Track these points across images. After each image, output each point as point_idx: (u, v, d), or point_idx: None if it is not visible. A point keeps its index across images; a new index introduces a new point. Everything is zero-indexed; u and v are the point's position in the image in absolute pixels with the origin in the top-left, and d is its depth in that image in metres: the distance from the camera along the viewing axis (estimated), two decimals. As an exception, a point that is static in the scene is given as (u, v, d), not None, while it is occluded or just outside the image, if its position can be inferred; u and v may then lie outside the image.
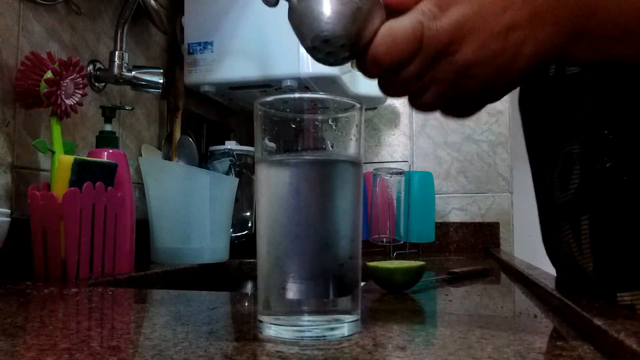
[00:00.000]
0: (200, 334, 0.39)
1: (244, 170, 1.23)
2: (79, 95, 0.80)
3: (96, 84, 1.00)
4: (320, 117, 0.40)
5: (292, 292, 0.38)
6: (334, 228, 0.39)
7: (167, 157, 1.11)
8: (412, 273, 0.63)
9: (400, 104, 1.65)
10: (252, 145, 1.13)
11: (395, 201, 1.30)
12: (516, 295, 0.64)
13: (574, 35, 0.37)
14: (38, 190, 0.74)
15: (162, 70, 1.02)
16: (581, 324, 0.40)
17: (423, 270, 0.64)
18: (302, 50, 1.12)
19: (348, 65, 1.16)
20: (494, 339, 0.38)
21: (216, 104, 1.40)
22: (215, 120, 1.43)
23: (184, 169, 1.05)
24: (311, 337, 0.37)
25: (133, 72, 1.00)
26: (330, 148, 0.40)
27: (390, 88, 0.41)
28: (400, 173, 1.32)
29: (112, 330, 0.43)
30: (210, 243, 1.02)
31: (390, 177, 1.31)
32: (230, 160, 1.15)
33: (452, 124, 1.59)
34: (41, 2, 0.87)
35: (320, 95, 0.47)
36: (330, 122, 0.40)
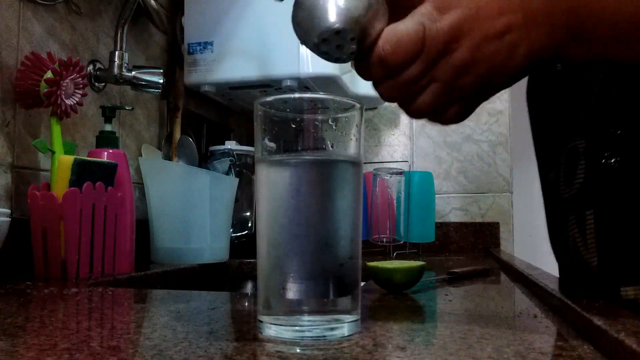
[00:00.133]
0: (200, 334, 0.39)
1: (244, 170, 1.23)
2: (79, 95, 0.80)
3: (96, 84, 1.00)
4: (320, 117, 0.40)
5: (292, 292, 0.38)
6: (334, 228, 0.39)
7: (167, 157, 1.11)
8: (412, 273, 0.63)
9: (400, 104, 1.64)
10: (252, 145, 1.13)
11: (395, 201, 1.30)
12: (516, 295, 0.64)
13: (567, 37, 0.39)
14: (38, 190, 0.74)
15: (162, 70, 1.02)
16: (581, 324, 0.40)
17: (423, 270, 0.64)
18: (302, 50, 1.13)
19: (348, 65, 1.16)
20: (494, 339, 0.38)
21: (216, 104, 1.40)
22: (215, 120, 1.43)
23: (184, 169, 1.05)
24: (311, 337, 0.37)
25: (133, 72, 1.00)
26: (330, 148, 0.40)
27: (387, 90, 0.41)
28: (400, 173, 1.32)
29: (112, 330, 0.43)
30: (210, 243, 1.02)
31: (390, 177, 1.31)
32: (230, 160, 1.15)
33: (452, 124, 1.59)
34: (41, 2, 0.87)
35: (320, 95, 0.47)
36: (330, 122, 0.40)
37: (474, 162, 1.58)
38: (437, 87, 0.40)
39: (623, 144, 0.47)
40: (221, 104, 1.39)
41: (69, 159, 0.75)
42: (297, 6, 0.40)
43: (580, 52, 0.40)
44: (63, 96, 0.77)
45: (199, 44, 1.19)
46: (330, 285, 0.39)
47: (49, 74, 0.76)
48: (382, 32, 0.39)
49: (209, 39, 1.19)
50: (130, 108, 1.01)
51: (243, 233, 1.22)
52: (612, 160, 0.47)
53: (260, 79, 1.16)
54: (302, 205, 0.39)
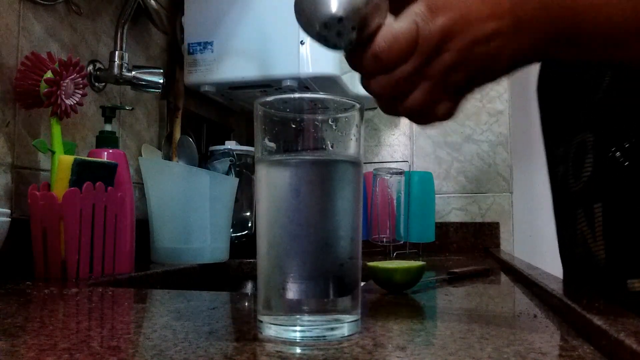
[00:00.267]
0: (200, 334, 0.39)
1: (244, 170, 1.23)
2: (79, 95, 0.80)
3: (96, 84, 1.00)
4: (320, 117, 0.40)
5: (292, 292, 0.38)
6: (334, 228, 0.39)
7: (167, 157, 1.11)
8: (412, 273, 0.63)
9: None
10: (252, 145, 1.13)
11: (395, 201, 1.30)
12: (516, 295, 0.64)
13: (555, 41, 0.40)
14: (38, 190, 0.74)
15: (162, 70, 1.02)
16: (581, 324, 0.40)
17: (423, 270, 0.64)
18: (303, 50, 1.13)
19: (348, 65, 1.16)
20: (494, 339, 0.38)
21: (216, 104, 1.40)
22: (215, 120, 1.43)
23: (184, 169, 1.05)
24: (311, 337, 0.37)
25: (133, 72, 1.00)
26: (330, 148, 0.40)
27: (378, 86, 0.42)
28: (400, 173, 1.32)
29: (112, 330, 0.43)
30: (210, 243, 1.02)
31: (390, 177, 1.31)
32: (230, 160, 1.15)
33: (452, 123, 1.59)
34: (41, 2, 0.87)
35: (320, 95, 0.47)
36: (330, 122, 0.40)
37: (474, 162, 1.58)
38: (428, 84, 0.41)
39: (631, 138, 0.48)
40: (221, 104, 1.39)
41: (69, 159, 0.75)
42: None
43: (570, 55, 0.41)
44: (63, 96, 0.77)
45: (199, 44, 1.19)
46: (330, 285, 0.39)
47: (49, 74, 0.76)
48: (381, 27, 0.40)
49: (209, 39, 1.19)
50: (130, 108, 1.01)
51: (243, 233, 1.22)
52: (620, 154, 0.48)
53: (260, 79, 1.16)
54: (302, 205, 0.39)
